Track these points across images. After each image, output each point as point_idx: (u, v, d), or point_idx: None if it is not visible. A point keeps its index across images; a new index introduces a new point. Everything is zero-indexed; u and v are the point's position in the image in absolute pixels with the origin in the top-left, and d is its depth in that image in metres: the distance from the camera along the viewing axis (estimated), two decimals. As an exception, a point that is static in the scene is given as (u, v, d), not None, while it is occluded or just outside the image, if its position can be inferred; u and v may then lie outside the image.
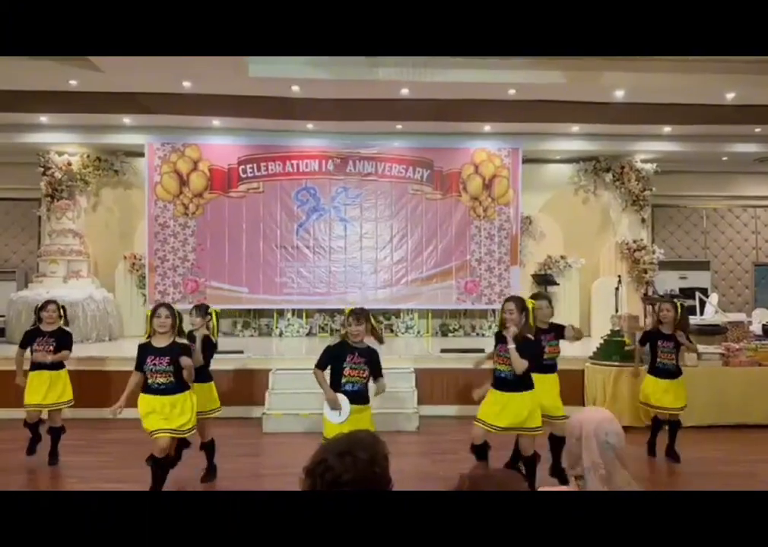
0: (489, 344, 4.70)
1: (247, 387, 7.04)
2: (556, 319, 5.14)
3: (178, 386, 4.35)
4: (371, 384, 4.36)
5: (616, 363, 6.72)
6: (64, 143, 9.63)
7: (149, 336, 4.42)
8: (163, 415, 4.27)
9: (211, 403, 5.00)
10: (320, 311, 10.00)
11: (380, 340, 4.49)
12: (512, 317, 4.34)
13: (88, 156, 9.87)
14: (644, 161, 10.25)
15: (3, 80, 7.37)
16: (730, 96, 7.88)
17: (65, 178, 9.79)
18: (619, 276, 8.62)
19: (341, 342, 4.38)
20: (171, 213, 9.71)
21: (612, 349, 6.86)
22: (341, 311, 7.86)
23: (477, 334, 10.04)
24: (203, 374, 4.88)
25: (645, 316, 8.25)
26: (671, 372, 5.47)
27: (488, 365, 4.71)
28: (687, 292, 9.79)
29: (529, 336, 4.35)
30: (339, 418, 4.15)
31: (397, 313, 10.08)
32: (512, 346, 4.25)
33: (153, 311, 4.40)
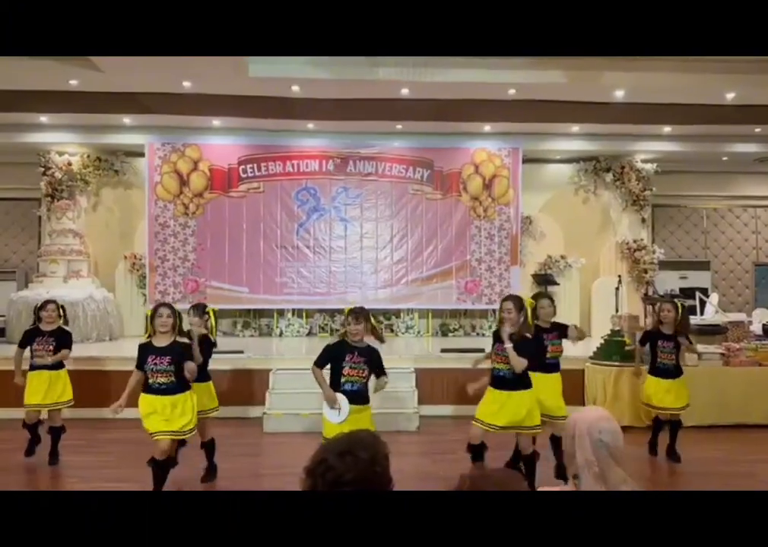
0: (489, 344, 4.68)
1: (247, 386, 7.05)
2: (557, 319, 5.13)
3: (179, 386, 4.35)
4: (371, 382, 4.32)
5: (616, 363, 6.73)
6: (64, 143, 9.64)
7: (149, 336, 4.42)
8: (164, 416, 4.27)
9: (210, 402, 5.01)
10: (320, 311, 10.01)
11: (380, 339, 4.47)
12: (510, 317, 4.35)
13: (88, 156, 9.88)
14: (644, 161, 10.26)
15: (3, 80, 7.36)
16: (730, 96, 7.88)
17: (65, 178, 9.79)
18: (619, 276, 8.61)
19: (341, 341, 4.34)
20: (171, 212, 9.72)
21: (612, 349, 6.86)
22: (341, 311, 7.83)
23: (478, 334, 10.04)
24: (202, 374, 4.87)
25: (646, 316, 8.25)
26: (672, 372, 5.46)
27: (487, 364, 4.71)
28: (688, 292, 9.78)
29: (527, 335, 4.35)
30: (338, 418, 4.12)
31: (397, 313, 10.08)
32: (508, 345, 4.25)
33: (155, 311, 4.40)
